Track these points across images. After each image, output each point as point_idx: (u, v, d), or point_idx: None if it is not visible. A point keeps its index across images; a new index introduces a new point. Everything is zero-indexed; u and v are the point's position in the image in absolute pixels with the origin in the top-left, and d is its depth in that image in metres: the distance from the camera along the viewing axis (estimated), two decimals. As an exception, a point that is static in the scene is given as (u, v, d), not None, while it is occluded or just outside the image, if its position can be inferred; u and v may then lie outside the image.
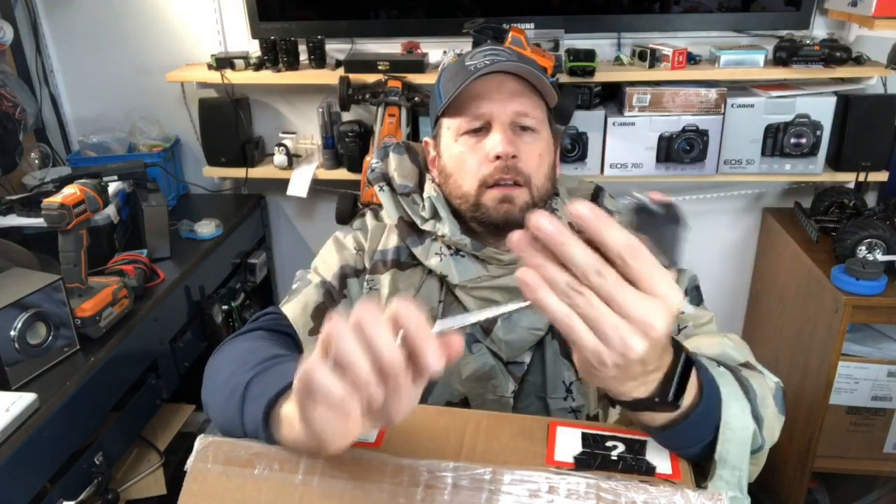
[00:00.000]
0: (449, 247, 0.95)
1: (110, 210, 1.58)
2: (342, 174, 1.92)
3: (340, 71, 1.82)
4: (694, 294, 0.92)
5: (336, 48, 1.93)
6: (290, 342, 0.89)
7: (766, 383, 0.74)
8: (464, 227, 0.95)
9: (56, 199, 1.23)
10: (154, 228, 1.65)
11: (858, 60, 1.69)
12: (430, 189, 0.97)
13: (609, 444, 0.66)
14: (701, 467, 0.64)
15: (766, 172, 1.80)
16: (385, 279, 0.95)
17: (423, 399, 1.00)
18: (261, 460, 0.61)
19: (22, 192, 1.71)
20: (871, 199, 1.92)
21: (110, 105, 2.09)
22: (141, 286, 1.46)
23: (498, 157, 0.88)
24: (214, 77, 1.87)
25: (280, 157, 1.95)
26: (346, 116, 1.93)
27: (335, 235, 1.02)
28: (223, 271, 1.86)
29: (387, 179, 1.00)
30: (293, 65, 1.86)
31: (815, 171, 1.78)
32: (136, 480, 1.49)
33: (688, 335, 0.85)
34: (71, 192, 1.25)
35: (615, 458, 0.65)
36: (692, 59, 1.75)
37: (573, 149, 1.79)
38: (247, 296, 1.92)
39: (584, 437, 0.67)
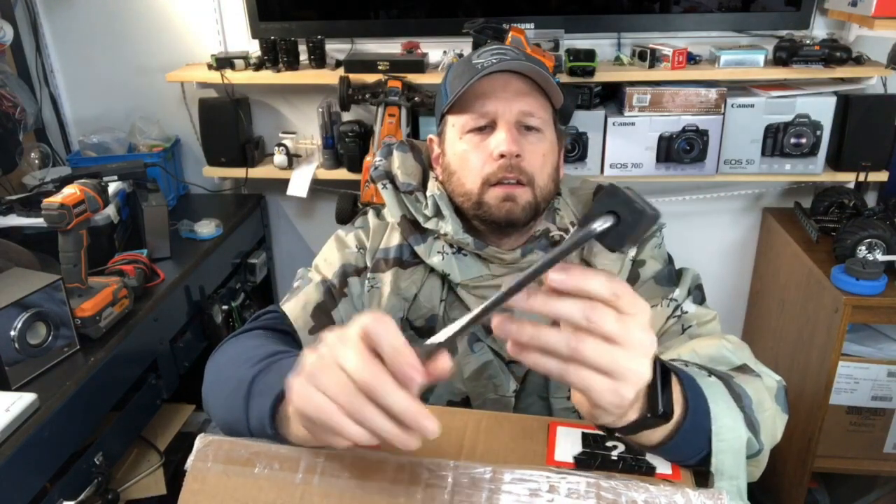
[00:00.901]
0: (451, 245, 0.95)
1: (110, 210, 1.58)
2: (342, 174, 1.92)
3: (340, 71, 1.82)
4: (697, 293, 0.92)
5: (336, 48, 1.93)
6: (290, 341, 0.89)
7: (765, 385, 0.74)
8: (466, 226, 0.95)
9: (56, 199, 1.23)
10: (154, 228, 1.64)
11: (858, 60, 1.69)
12: (433, 187, 0.97)
13: (609, 444, 0.66)
14: (701, 472, 0.65)
15: (766, 172, 1.80)
16: (387, 278, 0.95)
17: (425, 398, 1.00)
18: (261, 459, 0.61)
19: (22, 192, 1.71)
20: (871, 199, 1.92)
21: (110, 105, 2.09)
22: (141, 286, 1.46)
23: (502, 156, 0.88)
24: (214, 77, 1.87)
25: (280, 157, 1.94)
26: (346, 116, 1.93)
27: (337, 234, 1.02)
28: (223, 271, 1.86)
29: (390, 177, 1.00)
30: (293, 65, 1.86)
31: (815, 171, 1.78)
32: (136, 480, 1.49)
33: (692, 335, 0.85)
34: (71, 192, 1.25)
35: (615, 458, 0.65)
36: (692, 59, 1.75)
37: (573, 149, 1.79)
38: (247, 296, 1.92)
39: (585, 437, 0.67)
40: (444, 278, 0.96)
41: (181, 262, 1.64)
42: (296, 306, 0.92)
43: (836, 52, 1.67)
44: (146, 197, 1.65)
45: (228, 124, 1.93)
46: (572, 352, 0.50)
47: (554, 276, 0.50)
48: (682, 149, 1.76)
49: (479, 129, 0.91)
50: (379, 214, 1.02)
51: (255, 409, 0.66)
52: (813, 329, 1.65)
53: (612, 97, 1.86)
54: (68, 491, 1.18)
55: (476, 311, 0.53)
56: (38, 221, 1.42)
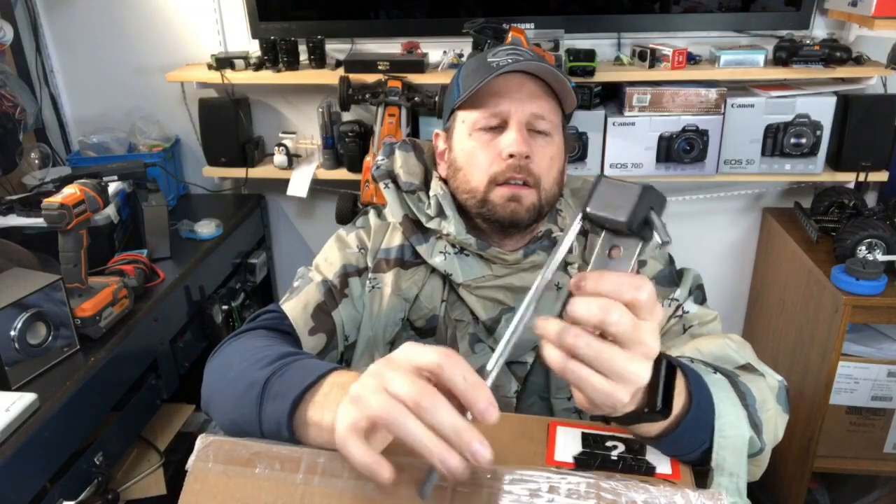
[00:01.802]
0: (453, 245, 0.95)
1: (110, 210, 1.58)
2: (342, 174, 1.92)
3: (340, 71, 1.82)
4: (698, 294, 0.92)
5: (336, 48, 1.93)
6: (290, 342, 0.89)
7: (768, 385, 0.74)
8: (469, 227, 0.95)
9: (56, 199, 1.22)
10: (154, 228, 1.64)
11: (858, 60, 1.69)
12: (436, 187, 0.97)
13: (609, 444, 0.66)
14: (701, 473, 0.65)
15: (766, 172, 1.80)
16: (388, 278, 0.95)
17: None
18: (262, 459, 0.61)
19: (22, 192, 1.71)
20: (871, 199, 1.92)
21: (110, 105, 2.09)
22: (141, 286, 1.46)
23: (511, 156, 0.88)
24: (214, 77, 1.87)
25: (280, 157, 1.94)
26: (346, 116, 1.93)
27: (338, 234, 1.02)
28: (223, 271, 1.86)
29: (392, 177, 1.00)
30: (293, 65, 1.86)
31: (815, 171, 1.78)
32: (136, 480, 1.49)
33: (693, 335, 0.85)
34: (71, 192, 1.25)
35: (615, 458, 0.65)
36: (692, 59, 1.75)
37: (573, 149, 1.79)
38: (247, 296, 1.92)
39: (585, 437, 0.67)
40: (446, 278, 0.96)
41: (181, 262, 1.64)
42: (296, 306, 0.92)
43: (836, 52, 1.67)
44: (146, 197, 1.65)
45: (228, 124, 1.93)
46: (573, 347, 0.50)
47: (576, 280, 0.52)
48: (682, 149, 1.76)
49: (490, 128, 0.91)
50: (380, 214, 1.02)
51: (271, 411, 0.65)
52: (813, 329, 1.65)
53: (612, 97, 1.86)
54: (68, 491, 1.18)
55: (511, 328, 0.55)
56: (38, 221, 1.42)
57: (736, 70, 1.73)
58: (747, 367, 0.75)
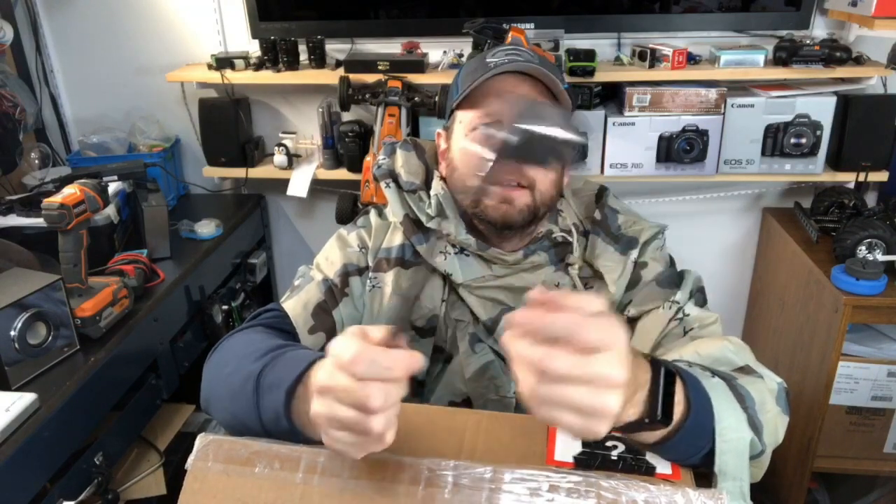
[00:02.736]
0: (454, 245, 0.95)
1: (110, 210, 1.58)
2: (342, 174, 1.92)
3: (340, 71, 1.82)
4: (699, 296, 0.92)
5: (336, 48, 1.93)
6: (290, 339, 0.89)
7: (767, 387, 0.74)
8: (469, 227, 0.95)
9: (56, 199, 1.22)
10: (154, 228, 1.64)
11: (858, 60, 1.69)
12: (437, 187, 0.97)
13: (609, 443, 0.66)
14: (702, 474, 0.65)
15: (766, 172, 1.80)
16: (388, 277, 0.95)
17: (426, 399, 1.00)
18: (261, 459, 0.61)
19: (22, 192, 1.71)
20: (871, 199, 1.92)
21: (110, 105, 2.09)
22: (141, 286, 1.46)
23: None
24: (214, 77, 1.87)
25: (280, 157, 1.94)
26: (346, 116, 1.93)
27: (339, 233, 1.02)
28: (223, 271, 1.86)
29: (393, 176, 1.00)
30: (293, 65, 1.86)
31: (815, 171, 1.78)
32: (136, 480, 1.49)
33: (693, 337, 0.85)
34: (71, 192, 1.25)
35: (615, 457, 0.65)
36: (692, 59, 1.75)
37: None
38: (247, 296, 1.92)
39: (585, 436, 0.67)
40: (446, 278, 0.96)
41: (181, 262, 1.64)
42: (296, 305, 0.92)
43: (836, 52, 1.67)
44: (146, 197, 1.65)
45: (228, 124, 1.93)
46: (536, 393, 0.50)
47: (518, 318, 0.50)
48: (682, 149, 1.76)
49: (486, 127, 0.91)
50: (381, 214, 1.02)
51: (268, 403, 0.66)
52: (813, 329, 1.65)
53: (612, 97, 1.86)
54: (68, 491, 1.18)
55: None
56: (38, 221, 1.42)
57: (736, 70, 1.73)
58: (746, 370, 0.75)
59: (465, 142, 0.93)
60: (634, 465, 0.64)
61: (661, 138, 1.76)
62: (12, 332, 1.12)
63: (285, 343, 0.79)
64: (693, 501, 0.56)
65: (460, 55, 1.83)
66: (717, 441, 0.63)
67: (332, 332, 0.93)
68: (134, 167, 1.58)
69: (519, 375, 0.51)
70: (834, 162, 1.80)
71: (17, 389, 1.13)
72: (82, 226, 1.26)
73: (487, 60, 0.91)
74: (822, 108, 1.72)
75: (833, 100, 1.72)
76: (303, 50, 1.87)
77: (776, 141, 1.75)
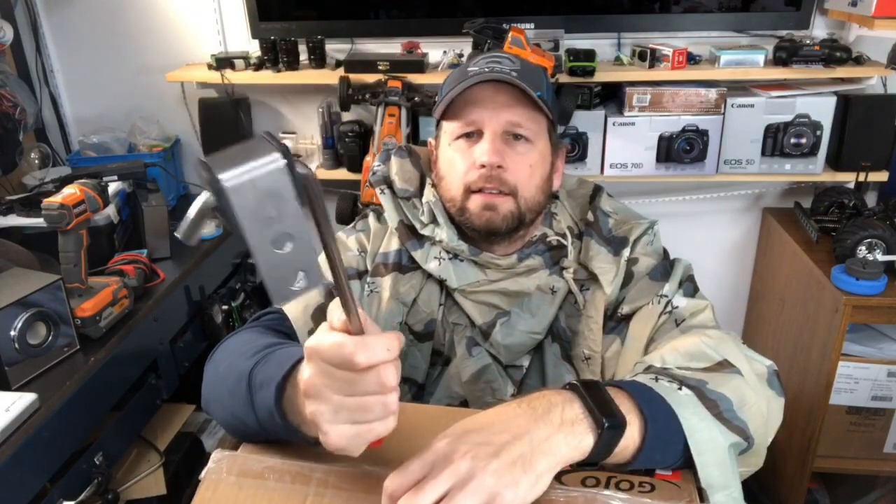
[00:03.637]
0: (448, 251, 0.95)
1: (110, 210, 1.58)
2: (342, 174, 1.92)
3: (340, 71, 1.82)
4: (688, 286, 0.92)
5: (336, 48, 1.93)
6: (288, 341, 0.89)
7: (749, 378, 0.73)
8: (460, 233, 0.95)
9: (56, 199, 1.22)
10: (154, 228, 1.64)
11: (858, 60, 1.69)
12: (429, 194, 0.98)
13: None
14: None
15: (766, 172, 1.80)
16: (386, 282, 0.95)
17: (424, 401, 1.00)
18: (273, 473, 0.62)
19: (22, 192, 1.71)
20: (871, 199, 1.92)
21: (110, 105, 2.09)
22: (141, 286, 1.46)
23: (483, 166, 0.88)
24: (214, 77, 1.87)
25: (280, 157, 1.94)
26: (346, 116, 1.93)
27: (337, 235, 1.02)
28: (223, 271, 1.86)
29: (388, 182, 1.01)
30: (293, 65, 1.86)
31: (815, 171, 1.78)
32: (136, 480, 1.49)
33: (684, 330, 0.85)
34: (71, 192, 1.25)
35: (615, 458, 0.65)
36: (692, 59, 1.75)
37: (573, 149, 1.79)
38: (247, 296, 1.92)
39: (584, 437, 0.67)
40: (442, 283, 0.96)
41: (181, 262, 1.64)
42: (296, 307, 0.92)
43: (836, 52, 1.67)
44: (146, 197, 1.65)
45: (228, 124, 1.92)
46: None
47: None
48: (682, 149, 1.76)
49: (468, 136, 0.92)
50: (380, 217, 1.02)
51: (260, 400, 0.67)
52: (813, 329, 1.65)
53: (612, 97, 1.86)
54: (68, 491, 1.18)
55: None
56: (38, 221, 1.42)
57: (736, 70, 1.73)
58: (724, 364, 0.74)
59: (449, 151, 0.93)
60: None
61: (661, 138, 1.76)
62: (12, 332, 1.12)
63: (278, 341, 0.79)
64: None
65: (460, 55, 1.83)
66: (695, 456, 0.63)
67: None
68: (134, 167, 1.58)
69: None
70: (834, 162, 1.80)
71: (17, 389, 1.13)
72: (82, 226, 1.26)
73: (469, 69, 0.91)
74: (822, 108, 1.72)
75: (833, 100, 1.72)
76: (303, 50, 1.87)
77: (776, 141, 1.75)
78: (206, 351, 1.69)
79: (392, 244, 0.98)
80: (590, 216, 0.97)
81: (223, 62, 1.86)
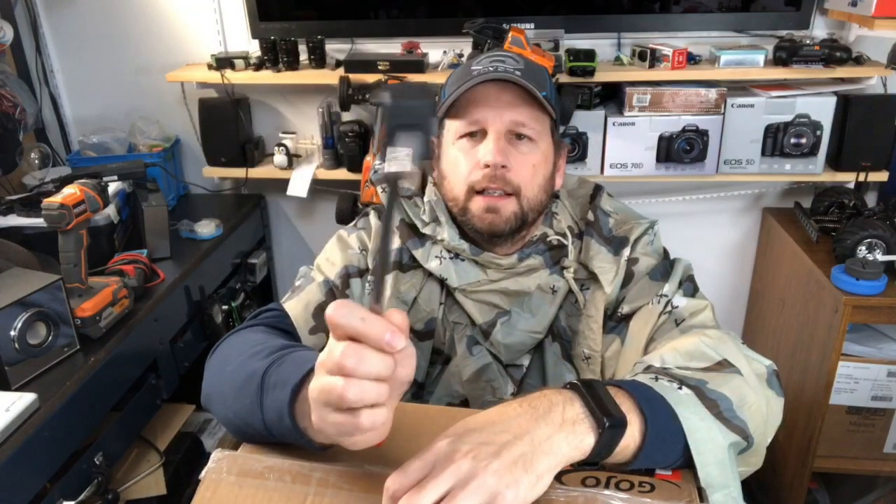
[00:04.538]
0: (449, 250, 0.95)
1: (110, 210, 1.58)
2: (342, 174, 1.92)
3: (340, 71, 1.82)
4: (688, 285, 0.92)
5: (336, 48, 1.93)
6: (290, 339, 0.89)
7: (749, 378, 0.73)
8: (461, 233, 0.95)
9: (56, 199, 1.22)
10: (154, 228, 1.64)
11: (858, 60, 1.69)
12: (430, 193, 0.98)
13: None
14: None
15: (766, 172, 1.80)
16: (387, 281, 0.95)
17: (425, 400, 1.00)
18: (274, 472, 0.62)
19: (22, 192, 1.71)
20: (871, 199, 1.92)
21: (110, 105, 2.09)
22: (141, 286, 1.46)
23: (487, 166, 0.88)
24: (214, 77, 1.87)
25: (280, 157, 1.95)
26: (346, 116, 1.93)
27: (339, 234, 1.02)
28: (223, 271, 1.86)
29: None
30: (293, 65, 1.86)
31: (815, 171, 1.78)
32: (136, 480, 1.49)
33: (684, 329, 0.85)
34: (71, 192, 1.25)
35: (615, 458, 0.65)
36: (692, 59, 1.75)
37: (573, 149, 1.79)
38: (247, 296, 1.92)
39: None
40: (443, 282, 0.96)
41: (181, 262, 1.64)
42: (297, 305, 0.93)
43: (836, 52, 1.67)
44: (146, 197, 1.65)
45: (228, 124, 1.93)
46: None
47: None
48: (682, 149, 1.76)
49: (471, 135, 0.91)
50: (380, 216, 1.03)
51: (271, 401, 0.66)
52: (813, 329, 1.65)
53: (612, 97, 1.86)
54: (68, 491, 1.18)
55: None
56: (38, 221, 1.42)
57: (736, 70, 1.73)
58: (723, 364, 0.74)
59: (452, 150, 0.93)
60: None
61: (661, 138, 1.76)
62: (12, 332, 1.12)
63: (292, 343, 0.79)
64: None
65: (460, 55, 1.83)
66: (694, 455, 0.63)
67: None
68: (134, 167, 1.58)
69: None
70: (834, 162, 1.80)
71: (17, 389, 1.13)
72: (82, 226, 1.26)
73: (472, 68, 0.91)
74: (822, 108, 1.72)
75: (833, 100, 1.72)
76: (303, 50, 1.87)
77: (776, 141, 1.75)
78: (206, 351, 1.69)
79: (393, 243, 0.98)
80: (590, 216, 0.97)
81: (223, 62, 1.87)
